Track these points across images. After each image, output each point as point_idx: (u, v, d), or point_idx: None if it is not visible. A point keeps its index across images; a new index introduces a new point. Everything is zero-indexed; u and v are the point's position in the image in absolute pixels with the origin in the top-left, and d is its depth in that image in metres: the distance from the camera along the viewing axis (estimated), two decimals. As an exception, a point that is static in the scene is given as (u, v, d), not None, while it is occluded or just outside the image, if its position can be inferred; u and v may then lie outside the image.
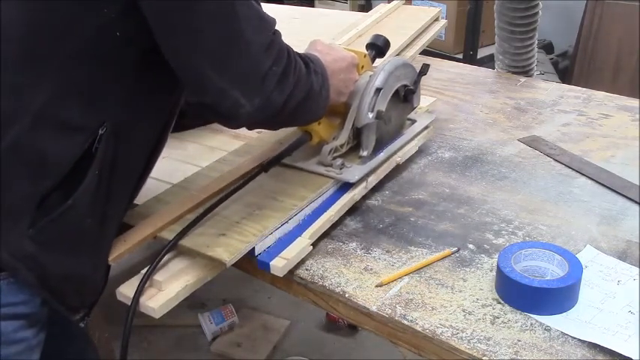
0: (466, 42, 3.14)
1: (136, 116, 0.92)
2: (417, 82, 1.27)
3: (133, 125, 0.92)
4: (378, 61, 1.28)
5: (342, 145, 1.19)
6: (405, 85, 1.24)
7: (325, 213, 1.10)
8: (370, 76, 1.19)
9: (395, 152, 1.26)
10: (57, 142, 0.86)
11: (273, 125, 1.06)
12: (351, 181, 1.13)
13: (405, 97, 1.25)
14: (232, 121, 0.95)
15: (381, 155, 1.22)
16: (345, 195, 1.15)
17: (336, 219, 1.11)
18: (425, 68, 1.26)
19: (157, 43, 0.87)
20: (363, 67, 1.20)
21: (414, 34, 1.90)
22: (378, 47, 1.27)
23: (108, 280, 1.01)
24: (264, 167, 1.15)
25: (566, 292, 0.91)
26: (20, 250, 0.85)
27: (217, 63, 0.88)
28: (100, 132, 0.87)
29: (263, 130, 1.36)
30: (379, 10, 2.07)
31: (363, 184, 1.18)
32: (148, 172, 1.02)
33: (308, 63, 1.01)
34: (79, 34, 0.85)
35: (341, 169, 1.16)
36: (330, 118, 1.15)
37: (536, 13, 1.69)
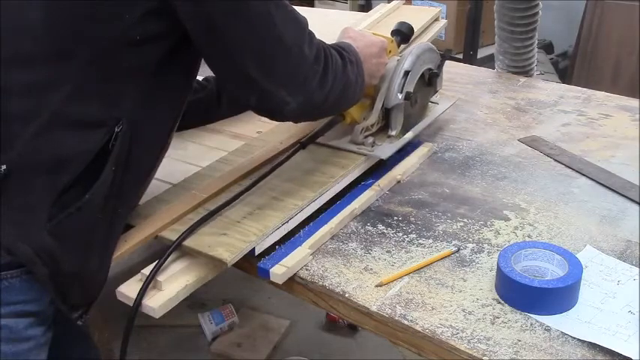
0: (466, 42, 3.15)
1: (151, 114, 0.94)
2: (440, 66, 1.35)
3: (147, 123, 0.94)
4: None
5: (372, 125, 1.27)
6: (430, 69, 1.32)
7: (326, 225, 1.10)
8: (398, 60, 1.26)
9: (420, 132, 1.34)
10: (75, 138, 0.87)
11: (316, 117, 1.14)
12: (383, 158, 1.22)
13: (430, 80, 1.33)
14: (277, 117, 1.01)
15: (409, 134, 1.30)
16: (346, 207, 1.15)
17: (337, 231, 1.11)
18: (447, 53, 1.37)
19: (177, 45, 0.89)
20: (390, 51, 1.26)
21: (414, 34, 1.90)
22: (403, 33, 1.36)
23: (108, 280, 1.01)
24: (302, 144, 1.21)
25: (566, 292, 0.91)
26: (39, 244, 0.86)
27: (261, 66, 0.91)
28: (117, 129, 0.89)
29: (263, 129, 1.37)
30: (379, 10, 2.06)
31: (369, 195, 1.19)
32: (155, 170, 1.04)
33: (343, 54, 1.05)
34: (100, 37, 0.86)
35: (372, 146, 1.24)
36: (362, 99, 1.19)
37: (536, 13, 1.69)
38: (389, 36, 1.29)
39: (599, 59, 3.13)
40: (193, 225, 1.03)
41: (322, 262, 1.04)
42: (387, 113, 1.28)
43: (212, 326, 2.21)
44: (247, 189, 1.12)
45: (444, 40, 3.24)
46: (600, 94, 1.65)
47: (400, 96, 1.24)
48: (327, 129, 1.24)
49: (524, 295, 0.91)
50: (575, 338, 0.87)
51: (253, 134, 1.36)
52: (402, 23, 1.37)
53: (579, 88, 1.72)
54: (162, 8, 0.86)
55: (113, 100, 0.89)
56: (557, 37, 3.42)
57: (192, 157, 1.30)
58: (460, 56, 3.14)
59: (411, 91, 1.25)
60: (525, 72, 1.79)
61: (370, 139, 1.25)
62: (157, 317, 0.95)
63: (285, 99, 0.94)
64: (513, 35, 1.72)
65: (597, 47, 3.13)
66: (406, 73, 1.24)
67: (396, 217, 1.15)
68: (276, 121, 1.06)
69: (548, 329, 0.89)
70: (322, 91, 0.97)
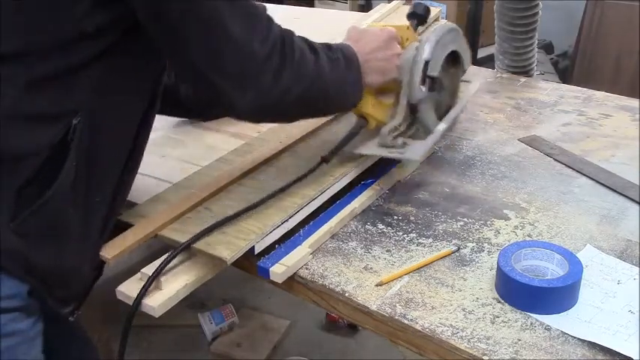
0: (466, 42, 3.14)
1: (112, 104, 0.91)
2: (464, 45, 1.25)
3: (109, 113, 0.91)
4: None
5: (400, 124, 1.17)
6: (454, 51, 1.22)
7: (326, 224, 1.10)
8: (416, 47, 1.16)
9: (455, 120, 1.25)
10: (30, 133, 0.86)
11: (281, 117, 1.07)
12: (416, 159, 1.15)
13: (455, 62, 1.24)
14: (232, 114, 0.99)
15: (441, 126, 1.20)
16: (346, 207, 1.14)
17: (337, 230, 1.11)
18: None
19: (129, 33, 0.88)
20: (407, 39, 1.18)
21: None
22: (419, 15, 1.25)
23: (108, 280, 1.01)
24: (324, 159, 1.14)
25: (567, 292, 0.91)
26: (6, 244, 0.85)
27: (208, 60, 0.89)
28: (74, 122, 0.87)
29: (263, 128, 1.37)
30: (379, 10, 2.06)
31: (369, 194, 1.18)
32: (134, 164, 1.01)
33: (317, 51, 1.00)
34: (50, 30, 0.84)
35: (403, 147, 1.15)
36: (383, 97, 1.14)
37: (536, 13, 1.69)
38: (404, 22, 1.21)
39: (599, 59, 3.13)
40: (204, 230, 1.02)
41: (322, 262, 1.04)
42: (414, 108, 1.18)
43: (212, 326, 2.21)
44: (262, 201, 1.08)
45: (444, 40, 3.24)
46: (600, 94, 1.65)
47: (424, 88, 1.14)
48: (350, 138, 1.16)
49: (525, 295, 0.91)
50: (575, 338, 0.87)
51: (253, 133, 1.36)
52: (418, 4, 1.26)
53: (579, 88, 1.72)
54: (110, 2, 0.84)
55: (67, 92, 0.87)
56: (557, 37, 3.42)
57: (191, 156, 1.30)
58: (460, 56, 3.14)
59: (435, 81, 1.15)
60: (525, 72, 1.79)
61: (400, 140, 1.15)
62: (157, 316, 0.95)
63: (234, 94, 0.91)
64: (513, 35, 1.72)
65: (597, 47, 3.13)
66: (426, 62, 1.14)
67: (396, 217, 1.15)
68: (235, 118, 1.04)
69: (548, 329, 0.89)
70: (278, 87, 0.93)
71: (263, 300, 2.38)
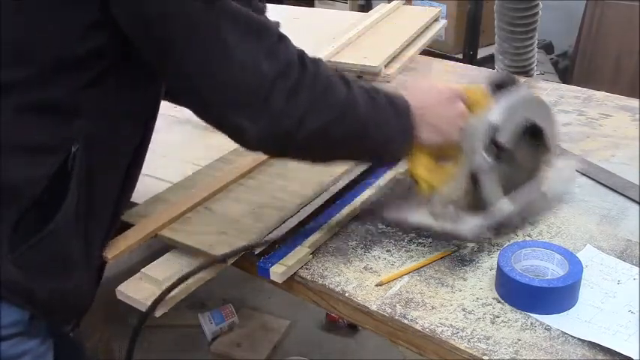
0: (466, 42, 3.14)
1: (111, 126, 0.87)
2: (550, 120, 1.07)
3: (108, 137, 0.87)
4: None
5: (456, 194, 1.01)
6: (532, 122, 1.04)
7: (326, 224, 1.10)
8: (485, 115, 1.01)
9: (526, 202, 1.04)
10: (26, 165, 0.81)
11: (306, 153, 0.93)
12: (468, 235, 0.97)
13: (537, 138, 1.05)
14: (243, 144, 0.87)
15: (506, 205, 1.01)
16: (347, 206, 1.14)
17: (337, 230, 1.11)
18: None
19: (125, 56, 0.83)
20: (479, 103, 1.03)
21: (414, 34, 1.90)
22: (500, 84, 1.08)
23: (108, 280, 1.01)
24: (361, 215, 1.00)
25: (567, 292, 0.91)
26: (6, 276, 0.82)
27: (211, 87, 0.81)
28: (73, 149, 0.82)
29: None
30: (379, 10, 2.07)
31: (369, 194, 1.17)
32: (132, 181, 0.98)
33: (351, 83, 0.88)
34: (41, 58, 0.80)
35: (456, 220, 0.99)
36: (442, 162, 1.01)
37: (536, 13, 1.69)
38: (480, 86, 1.06)
39: (599, 59, 3.13)
40: (245, 247, 1.00)
41: (322, 261, 1.04)
42: (474, 179, 1.01)
43: (212, 326, 2.21)
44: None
45: (444, 40, 3.24)
46: (600, 94, 1.65)
47: (488, 157, 0.98)
48: (391, 199, 1.03)
49: (525, 295, 0.91)
50: (575, 338, 0.87)
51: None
52: (501, 72, 1.12)
53: (579, 88, 1.72)
54: (105, 21, 0.78)
55: (63, 119, 0.82)
56: (557, 37, 3.42)
57: (192, 156, 1.30)
58: (460, 56, 3.14)
59: (503, 148, 0.98)
60: (525, 72, 1.79)
61: (453, 211, 0.99)
62: (157, 316, 0.95)
63: (241, 124, 0.81)
64: (513, 35, 1.72)
65: (597, 47, 3.13)
66: (493, 127, 0.97)
67: (396, 217, 1.15)
68: (248, 149, 0.91)
69: (548, 328, 0.89)
70: (293, 110, 0.81)
71: (263, 300, 2.38)
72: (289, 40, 0.85)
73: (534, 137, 1.05)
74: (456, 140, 0.98)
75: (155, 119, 0.98)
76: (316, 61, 0.87)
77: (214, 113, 0.84)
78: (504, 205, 1.01)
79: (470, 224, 0.96)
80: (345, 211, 1.13)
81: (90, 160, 0.84)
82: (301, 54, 0.85)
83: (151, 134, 0.98)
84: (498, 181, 1.00)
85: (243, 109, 0.81)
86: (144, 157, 0.99)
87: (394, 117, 0.92)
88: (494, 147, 0.98)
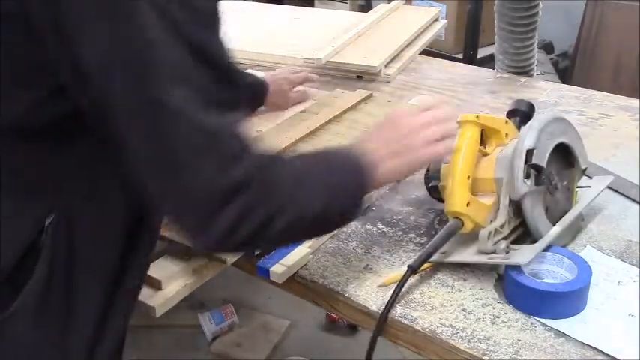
0: (466, 42, 3.14)
1: (89, 195, 0.77)
2: (576, 138, 1.08)
3: (89, 208, 0.77)
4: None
5: (502, 226, 0.98)
6: (563, 143, 1.04)
7: None
8: (517, 140, 1.01)
9: (569, 224, 1.03)
10: None
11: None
12: (523, 263, 0.93)
13: (569, 161, 1.07)
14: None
15: (555, 230, 1.00)
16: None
17: (336, 230, 1.11)
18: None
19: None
20: (507, 134, 1.05)
21: (414, 34, 1.90)
22: (522, 112, 1.11)
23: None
24: (412, 268, 0.94)
25: (576, 296, 0.91)
26: None
27: (157, 190, 0.72)
28: (47, 222, 0.74)
29: (263, 128, 1.37)
30: (379, 10, 2.07)
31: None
32: (131, 272, 0.84)
33: (303, 175, 0.79)
34: (5, 126, 0.73)
35: (507, 252, 0.95)
36: (482, 197, 1.00)
37: (536, 13, 1.69)
38: (502, 117, 1.08)
39: (599, 59, 3.13)
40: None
41: (322, 261, 1.04)
42: (517, 209, 0.99)
43: (212, 326, 2.21)
44: None
45: (444, 40, 3.24)
46: (600, 94, 1.65)
47: (528, 182, 0.97)
48: (440, 244, 0.98)
49: (534, 299, 0.90)
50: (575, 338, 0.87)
51: (253, 133, 1.36)
52: (520, 101, 1.12)
53: (579, 88, 1.72)
54: (56, 96, 0.70)
55: (32, 190, 0.75)
56: (557, 37, 3.42)
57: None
58: (460, 56, 3.14)
59: (542, 170, 0.97)
60: (525, 72, 1.79)
61: (503, 244, 0.95)
62: (157, 316, 0.95)
63: (184, 230, 0.74)
64: (513, 35, 1.72)
65: (597, 47, 3.13)
66: (529, 152, 0.97)
67: (395, 217, 1.15)
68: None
69: (548, 329, 0.89)
70: (237, 234, 0.71)
71: (263, 300, 2.38)
72: (249, 141, 0.74)
73: (565, 157, 1.06)
74: (423, 162, 0.94)
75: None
76: (272, 161, 0.77)
77: (161, 214, 0.82)
78: (553, 230, 0.99)
79: (525, 255, 0.93)
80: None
81: (67, 237, 0.76)
82: (260, 160, 0.75)
83: (150, 225, 0.87)
84: (541, 206, 1.00)
85: (181, 221, 0.74)
86: (147, 249, 0.87)
87: (345, 180, 0.83)
88: (532, 170, 0.97)
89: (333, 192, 0.80)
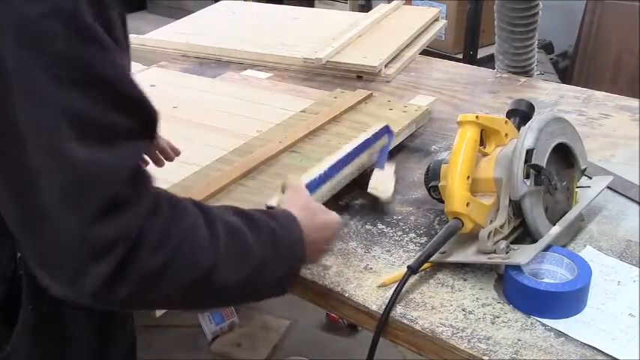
0: (466, 42, 3.15)
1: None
2: (576, 138, 1.08)
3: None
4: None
5: (502, 226, 0.99)
6: (563, 143, 1.05)
7: None
8: (516, 140, 1.02)
9: (569, 224, 1.04)
10: None
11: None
12: (523, 263, 0.93)
13: (568, 160, 1.08)
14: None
15: (554, 229, 1.00)
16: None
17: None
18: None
19: None
20: (507, 134, 1.05)
21: (414, 34, 1.90)
22: (522, 112, 1.12)
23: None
24: (412, 269, 0.95)
25: (576, 296, 0.91)
26: None
27: (23, 238, 0.64)
28: (18, 254, 0.71)
29: (263, 128, 1.37)
30: (379, 10, 2.07)
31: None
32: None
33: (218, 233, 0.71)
34: None
35: (507, 252, 0.96)
36: (482, 197, 1.00)
37: (537, 13, 1.69)
38: (502, 117, 1.08)
39: (599, 59, 3.14)
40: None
41: (322, 261, 1.04)
42: (517, 208, 1.00)
43: (212, 326, 2.21)
44: None
45: (444, 40, 3.25)
46: (600, 94, 1.65)
47: (528, 182, 0.97)
48: (440, 244, 0.98)
49: (534, 299, 0.90)
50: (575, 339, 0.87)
51: (253, 133, 1.36)
52: (520, 101, 1.12)
53: (579, 88, 1.72)
54: None
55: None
56: (557, 37, 3.42)
57: (191, 156, 1.30)
58: (460, 56, 3.14)
59: (542, 170, 0.98)
60: (525, 72, 1.79)
61: (502, 244, 0.96)
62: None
63: (50, 285, 0.64)
64: (513, 35, 1.72)
65: (597, 47, 3.13)
66: (529, 151, 0.98)
67: (395, 217, 1.15)
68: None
69: (548, 329, 0.89)
70: (114, 294, 0.62)
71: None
72: (146, 184, 0.66)
73: (565, 157, 1.06)
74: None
75: None
76: (163, 221, 0.66)
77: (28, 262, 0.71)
78: (553, 230, 1.00)
79: (525, 255, 0.93)
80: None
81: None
82: (153, 210, 0.65)
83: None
84: (541, 206, 1.00)
85: (49, 274, 0.64)
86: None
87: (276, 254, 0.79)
88: (532, 170, 0.97)
89: (259, 263, 0.75)
